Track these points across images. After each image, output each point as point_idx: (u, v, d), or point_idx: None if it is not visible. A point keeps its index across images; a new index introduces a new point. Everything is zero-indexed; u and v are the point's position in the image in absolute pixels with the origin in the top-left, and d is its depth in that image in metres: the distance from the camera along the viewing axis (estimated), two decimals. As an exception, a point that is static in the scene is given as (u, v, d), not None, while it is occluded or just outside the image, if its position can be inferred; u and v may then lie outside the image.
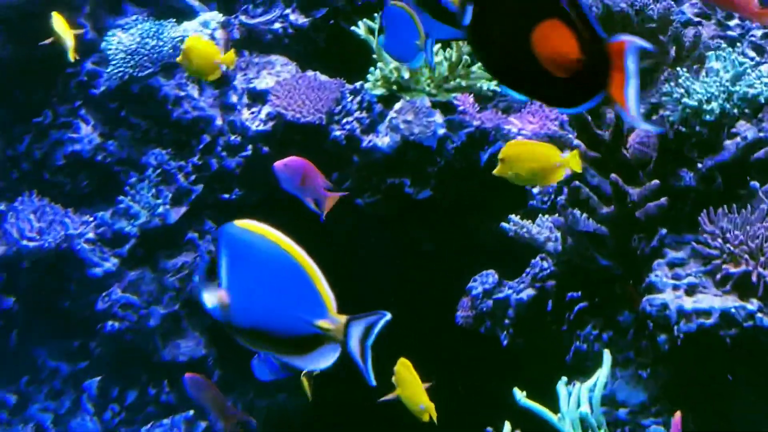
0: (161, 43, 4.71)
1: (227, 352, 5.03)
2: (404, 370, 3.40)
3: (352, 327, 2.02)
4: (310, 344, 2.07)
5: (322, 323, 2.02)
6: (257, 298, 2.06)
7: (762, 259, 3.12)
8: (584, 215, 3.52)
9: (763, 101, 3.39)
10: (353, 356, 2.03)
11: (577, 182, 3.41)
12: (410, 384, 3.40)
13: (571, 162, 3.15)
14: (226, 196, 4.85)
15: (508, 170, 3.20)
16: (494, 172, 3.22)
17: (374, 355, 1.94)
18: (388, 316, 2.03)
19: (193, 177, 4.85)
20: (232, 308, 2.07)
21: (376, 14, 4.26)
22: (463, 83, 4.14)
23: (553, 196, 3.91)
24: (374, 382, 2.08)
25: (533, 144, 3.33)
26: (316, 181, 3.63)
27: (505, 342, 3.99)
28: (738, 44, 3.83)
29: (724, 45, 3.67)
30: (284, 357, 2.18)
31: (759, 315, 3.05)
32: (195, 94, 4.79)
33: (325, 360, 2.08)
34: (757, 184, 3.34)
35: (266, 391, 5.21)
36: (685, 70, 3.48)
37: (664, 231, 3.38)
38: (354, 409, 5.10)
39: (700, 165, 3.41)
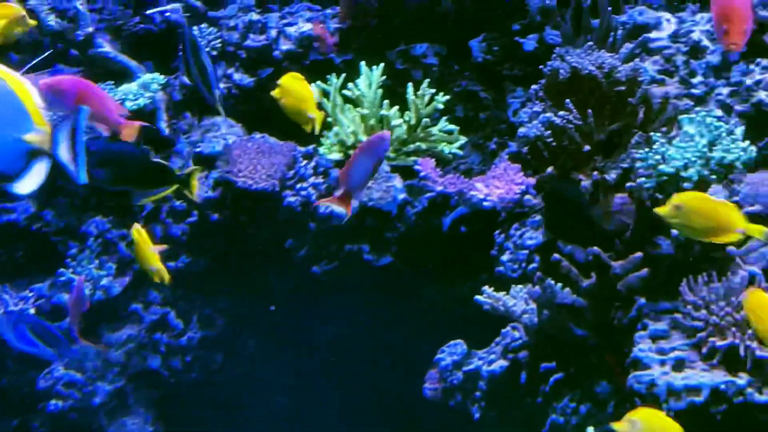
0: (99, 107, 4.59)
1: (176, 426, 4.97)
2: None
3: (58, 132, 2.03)
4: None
5: (30, 136, 2.02)
6: None
7: (749, 331, 3.09)
8: (559, 284, 3.49)
9: (740, 166, 3.40)
10: (61, 163, 2.05)
11: (556, 255, 3.39)
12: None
13: (317, 119, 3.45)
14: (172, 264, 4.74)
15: (281, 96, 3.50)
16: (273, 93, 3.56)
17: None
18: (87, 108, 2.07)
19: None
20: None
21: (327, 75, 4.22)
22: (423, 146, 4.11)
23: (525, 265, 3.88)
24: (84, 180, 2.13)
25: (306, 90, 3.51)
26: (104, 104, 3.20)
27: (476, 415, 3.96)
28: (704, 103, 3.83)
29: (694, 106, 3.68)
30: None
31: (749, 390, 3.03)
32: (136, 158, 4.71)
33: (37, 176, 2.07)
34: (734, 248, 3.32)
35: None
36: (659, 134, 3.48)
37: (642, 301, 3.36)
38: None
39: (676, 232, 3.39)
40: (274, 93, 3.50)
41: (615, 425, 2.93)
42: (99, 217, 4.75)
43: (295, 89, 3.49)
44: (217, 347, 4.95)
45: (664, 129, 3.61)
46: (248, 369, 5.05)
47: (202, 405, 4.96)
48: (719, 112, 3.75)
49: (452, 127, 4.16)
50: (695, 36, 3.99)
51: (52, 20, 4.87)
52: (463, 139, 4.16)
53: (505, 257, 3.98)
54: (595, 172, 3.43)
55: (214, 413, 5.00)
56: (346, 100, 4.20)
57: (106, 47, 4.84)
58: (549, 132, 3.65)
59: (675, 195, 3.09)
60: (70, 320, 4.02)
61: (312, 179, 4.34)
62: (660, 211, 3.08)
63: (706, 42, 3.95)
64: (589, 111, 3.59)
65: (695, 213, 3.04)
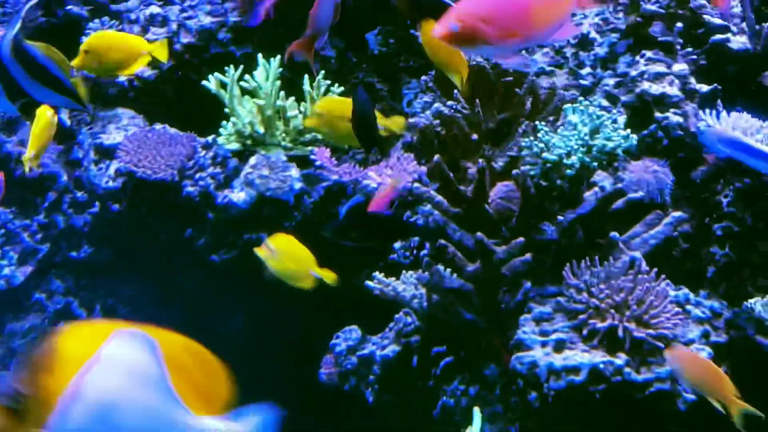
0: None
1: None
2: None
3: None
4: None
5: None
6: None
7: (627, 312, 3.16)
8: (448, 271, 3.52)
9: (621, 153, 3.45)
10: None
11: (442, 240, 3.43)
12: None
13: (156, 51, 3.41)
14: (75, 254, 4.77)
15: (93, 61, 3.42)
16: (73, 63, 3.35)
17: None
18: None
19: (39, 236, 4.77)
20: None
21: (226, 67, 4.21)
22: (320, 136, 4.10)
23: (415, 251, 3.90)
24: None
25: (120, 35, 3.59)
26: None
27: (370, 399, 3.97)
28: (591, 93, 3.88)
29: (579, 97, 3.71)
30: None
31: (627, 369, 3.10)
32: (39, 150, 4.68)
33: None
34: (616, 234, 3.41)
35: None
36: (543, 123, 3.52)
37: (528, 284, 3.41)
38: None
39: (561, 218, 3.44)
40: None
41: (256, 250, 3.34)
42: (2, 208, 4.73)
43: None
44: (120, 336, 4.91)
45: (551, 118, 3.66)
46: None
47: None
48: (605, 103, 3.82)
49: (348, 117, 4.18)
50: (584, 28, 4.03)
51: (-49, 13, 4.83)
52: (357, 129, 4.18)
53: (397, 244, 4.01)
54: (481, 160, 3.46)
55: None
56: (244, 91, 4.19)
57: (8, 40, 4.79)
58: (438, 121, 3.69)
59: (317, 104, 3.45)
60: None
61: (210, 169, 4.32)
62: (308, 123, 3.45)
63: (594, 34, 4.00)
64: (477, 101, 3.62)
65: (338, 118, 3.33)
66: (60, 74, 3.09)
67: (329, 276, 3.39)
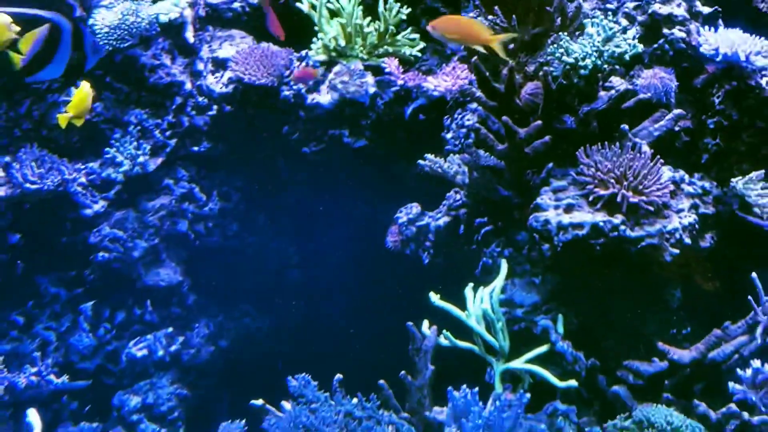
0: (139, 20, 4.86)
1: (200, 279, 5.32)
2: None
3: None
4: None
5: None
6: None
7: (625, 183, 3.44)
8: (486, 153, 3.82)
9: (628, 58, 3.71)
10: None
11: (478, 125, 3.72)
12: None
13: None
14: (196, 148, 5.10)
15: None
16: None
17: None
18: None
19: (168, 133, 5.07)
20: None
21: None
22: (390, 49, 4.39)
23: (463, 140, 4.19)
24: None
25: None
26: None
27: (426, 261, 4.33)
28: (613, 15, 4.12)
29: (600, 15, 3.96)
30: None
31: (622, 227, 3.39)
32: (168, 62, 4.99)
33: None
34: (626, 126, 3.66)
35: (233, 316, 5.50)
36: (566, 35, 3.78)
37: (550, 165, 3.69)
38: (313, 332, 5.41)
39: (579, 111, 3.71)
40: None
41: None
42: (138, 109, 5.04)
43: None
44: (232, 217, 5.27)
45: (577, 33, 3.91)
46: (259, 237, 5.41)
47: (221, 264, 5.32)
48: (625, 21, 4.04)
49: (415, 35, 4.41)
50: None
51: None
52: (422, 44, 4.42)
53: (449, 136, 4.29)
54: (511, 61, 3.75)
55: (230, 270, 5.36)
56: (331, 13, 4.44)
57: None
58: (480, 33, 3.96)
59: None
60: None
61: (303, 76, 4.67)
62: None
63: (620, -33, 4.23)
64: (513, 16, 3.89)
65: None
66: None
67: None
